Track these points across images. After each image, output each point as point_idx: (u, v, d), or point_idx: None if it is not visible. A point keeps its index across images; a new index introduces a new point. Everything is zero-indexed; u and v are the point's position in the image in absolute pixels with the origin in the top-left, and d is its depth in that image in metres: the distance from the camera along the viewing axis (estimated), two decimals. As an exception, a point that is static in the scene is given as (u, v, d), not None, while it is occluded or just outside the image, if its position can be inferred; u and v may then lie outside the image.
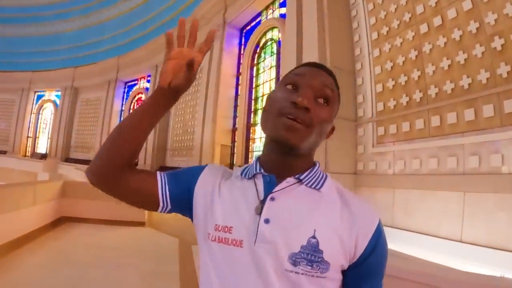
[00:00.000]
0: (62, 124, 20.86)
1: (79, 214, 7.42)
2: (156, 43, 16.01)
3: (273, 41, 10.28)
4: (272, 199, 0.83)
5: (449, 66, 4.48)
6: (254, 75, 11.07)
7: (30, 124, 22.85)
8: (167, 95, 0.85)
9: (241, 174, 0.92)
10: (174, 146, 14.29)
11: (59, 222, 7.36)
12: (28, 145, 22.85)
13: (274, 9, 10.43)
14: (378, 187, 5.32)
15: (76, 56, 20.66)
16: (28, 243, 5.77)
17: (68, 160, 19.56)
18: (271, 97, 0.88)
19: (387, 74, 5.51)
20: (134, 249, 5.44)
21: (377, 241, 0.81)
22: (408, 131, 4.98)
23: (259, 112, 10.49)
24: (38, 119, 22.96)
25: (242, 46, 11.96)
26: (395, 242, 4.41)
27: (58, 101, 21.88)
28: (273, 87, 9.80)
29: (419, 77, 4.93)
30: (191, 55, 0.82)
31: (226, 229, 0.83)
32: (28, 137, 22.75)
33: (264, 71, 10.62)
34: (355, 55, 6.29)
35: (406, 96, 5.10)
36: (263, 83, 10.57)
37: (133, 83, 18.86)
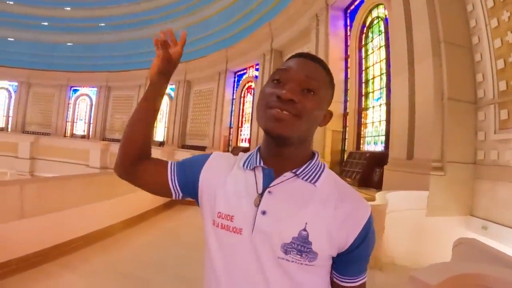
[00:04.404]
0: (178, 114, 22.97)
1: (190, 196, 8.20)
2: (261, 33, 16.53)
3: (379, 19, 9.78)
4: (270, 192, 0.93)
5: None
6: (363, 56, 10.67)
7: (148, 115, 25.62)
8: (158, 81, 1.08)
9: (243, 165, 1.02)
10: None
11: (172, 204, 8.15)
12: (146, 134, 25.51)
13: (377, -16, 9.88)
14: (500, 181, 4.80)
15: (186, 51, 22.18)
16: (142, 222, 6.55)
17: (184, 146, 21.50)
18: (261, 92, 0.96)
19: (509, 47, 4.91)
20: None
21: (366, 234, 0.91)
22: (536, 114, 4.42)
23: (370, 96, 10.19)
24: (154, 110, 25.60)
25: (348, 28, 11.62)
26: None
27: (172, 94, 24.00)
28: (383, 68, 9.47)
29: (546, 48, 4.33)
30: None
31: (228, 217, 0.95)
32: (146, 126, 25.44)
33: (373, 52, 10.18)
34: (470, 28, 5.72)
35: (532, 72, 4.52)
36: (373, 65, 10.15)
37: (242, 72, 19.77)
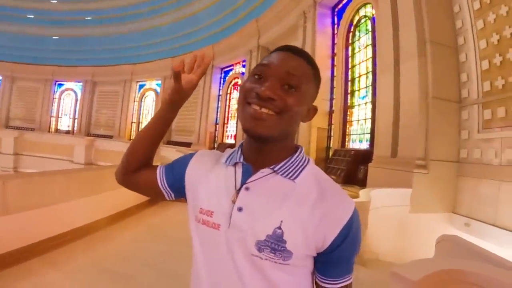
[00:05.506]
0: (164, 110, 22.84)
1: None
2: (249, 29, 16.51)
3: (367, 18, 9.83)
4: (247, 189, 0.92)
5: None
6: (350, 55, 10.71)
7: (134, 111, 25.26)
8: (166, 108, 1.09)
9: (225, 161, 1.01)
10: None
11: (156, 200, 8.06)
12: (132, 130, 25.12)
13: (365, -17, 9.91)
14: (483, 179, 4.87)
15: (173, 47, 22.14)
16: (127, 218, 6.51)
17: (169, 142, 21.09)
18: (241, 88, 0.93)
19: (494, 49, 4.97)
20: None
21: (347, 234, 0.87)
22: (519, 114, 4.47)
23: (356, 94, 10.23)
24: (140, 106, 25.22)
25: (335, 26, 11.64)
26: (498, 244, 4.05)
27: (158, 89, 23.88)
28: (369, 67, 9.51)
29: (530, 50, 4.37)
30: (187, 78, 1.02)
31: (209, 213, 0.95)
32: (132, 122, 25.14)
33: (359, 51, 10.23)
34: (456, 29, 5.76)
35: (516, 73, 4.56)
36: (359, 63, 10.19)
37: (229, 68, 19.75)
